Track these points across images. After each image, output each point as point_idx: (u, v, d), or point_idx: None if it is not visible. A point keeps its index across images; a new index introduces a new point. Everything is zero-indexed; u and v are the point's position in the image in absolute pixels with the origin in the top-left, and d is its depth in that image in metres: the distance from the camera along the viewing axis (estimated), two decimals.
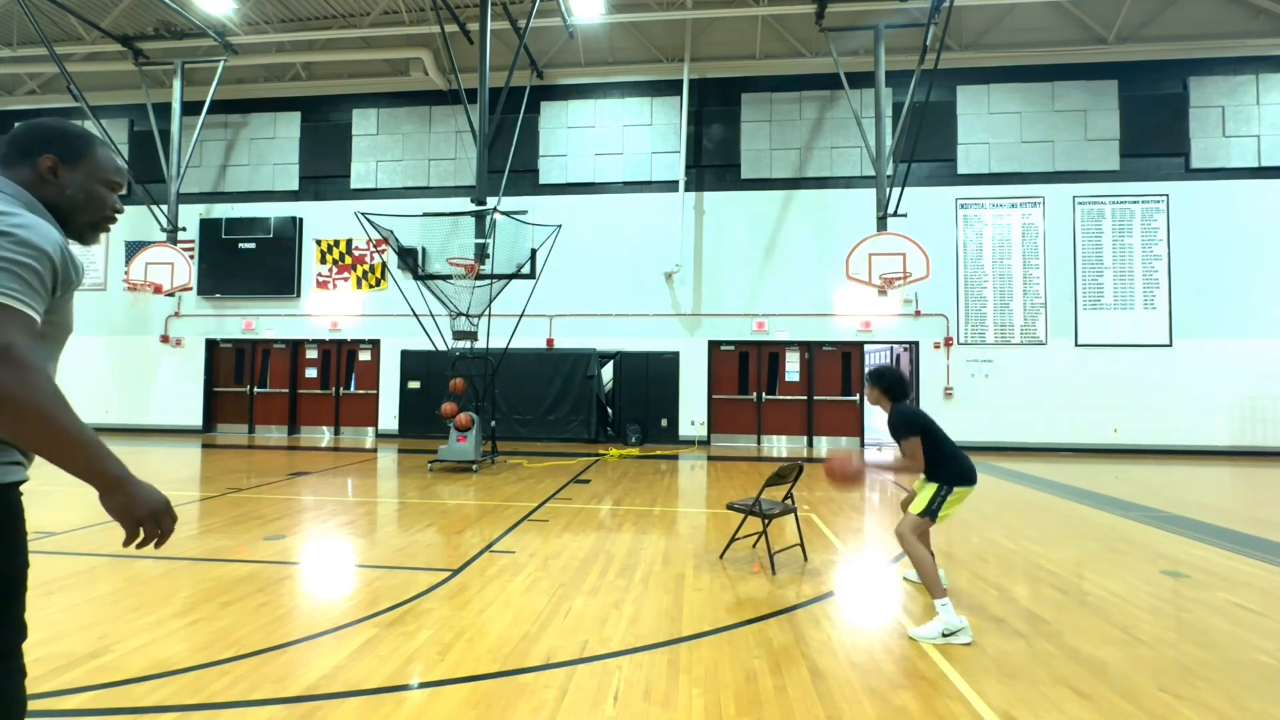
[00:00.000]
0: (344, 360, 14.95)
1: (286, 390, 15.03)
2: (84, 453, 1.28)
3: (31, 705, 2.65)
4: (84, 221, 1.54)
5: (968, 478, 3.85)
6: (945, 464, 3.88)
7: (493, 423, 11.02)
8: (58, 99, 15.71)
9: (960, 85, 13.37)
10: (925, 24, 11.17)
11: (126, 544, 1.41)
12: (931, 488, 3.86)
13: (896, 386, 4.09)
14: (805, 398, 13.71)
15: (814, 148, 13.74)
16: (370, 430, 14.65)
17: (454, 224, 11.80)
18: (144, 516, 1.37)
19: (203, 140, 14.81)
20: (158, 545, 1.42)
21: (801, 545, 5.11)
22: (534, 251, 10.76)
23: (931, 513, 3.83)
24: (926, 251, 11.27)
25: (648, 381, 13.80)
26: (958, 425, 12.89)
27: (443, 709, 2.69)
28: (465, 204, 11.21)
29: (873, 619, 3.83)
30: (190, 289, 13.83)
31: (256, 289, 14.81)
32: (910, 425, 3.88)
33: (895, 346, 14.48)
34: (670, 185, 13.87)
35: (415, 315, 10.45)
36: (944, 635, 3.43)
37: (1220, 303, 12.62)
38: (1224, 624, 3.75)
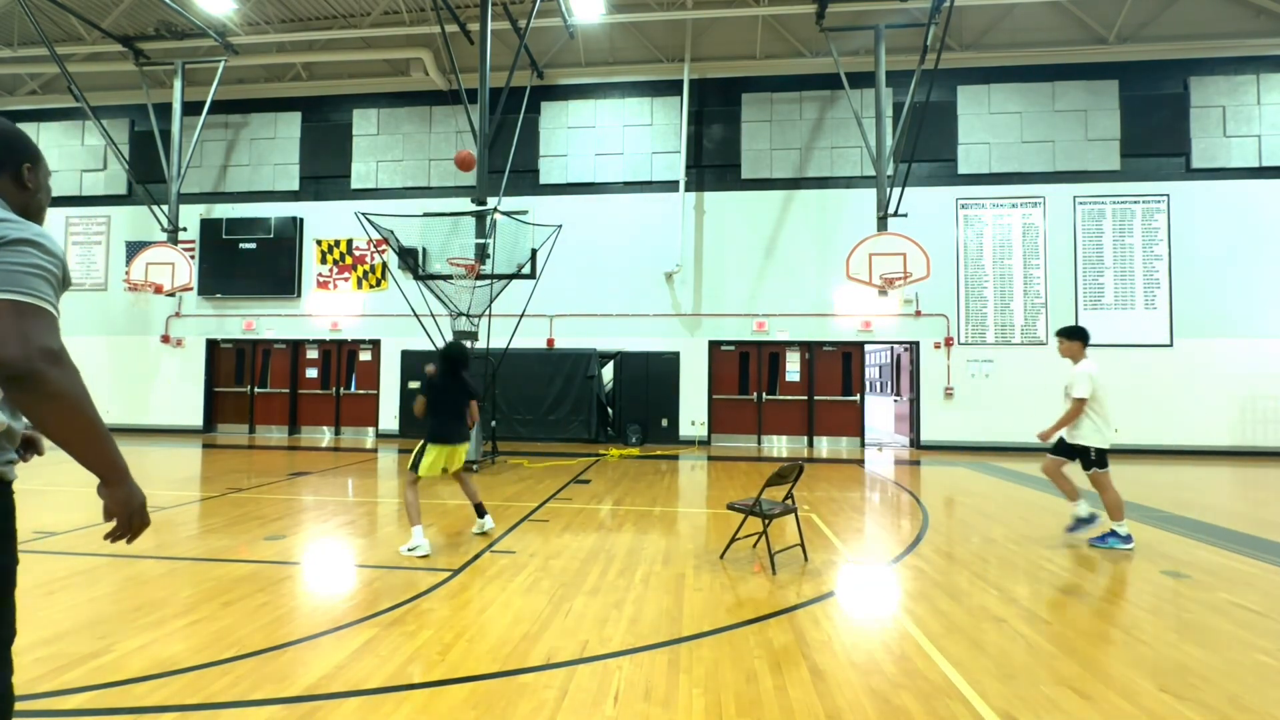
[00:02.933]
0: (344, 360, 14.95)
1: (287, 390, 15.04)
2: (106, 446, 1.40)
3: (32, 705, 2.66)
4: (40, 221, 1.56)
5: (437, 438, 5.20)
6: (432, 422, 5.23)
7: (493, 423, 11.03)
8: (58, 99, 15.72)
9: (960, 85, 13.36)
10: (925, 24, 11.17)
11: (113, 535, 1.48)
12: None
13: (447, 360, 5.39)
14: (806, 398, 13.70)
15: (814, 148, 13.73)
16: (371, 430, 14.65)
17: (454, 224, 11.78)
18: (137, 509, 1.48)
19: (203, 140, 14.82)
20: (130, 540, 1.51)
21: (802, 545, 5.11)
22: (534, 252, 10.76)
23: (415, 465, 5.19)
24: (927, 251, 11.26)
25: (648, 381, 13.80)
26: (958, 425, 12.92)
27: (443, 709, 2.69)
28: (465, 204, 11.20)
29: (873, 619, 3.83)
30: (191, 289, 13.84)
31: (257, 289, 14.82)
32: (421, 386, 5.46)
33: (895, 346, 14.48)
34: (670, 185, 13.87)
35: (415, 315, 10.45)
36: (409, 550, 4.96)
37: (1221, 303, 12.62)
38: (1224, 624, 3.74)
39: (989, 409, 12.98)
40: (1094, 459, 5.50)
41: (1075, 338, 5.82)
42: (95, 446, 1.38)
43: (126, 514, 1.46)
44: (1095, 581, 4.55)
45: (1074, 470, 5.67)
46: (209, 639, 3.35)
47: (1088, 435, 5.50)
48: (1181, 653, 3.33)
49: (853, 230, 12.82)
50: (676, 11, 13.16)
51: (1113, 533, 5.48)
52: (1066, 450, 5.66)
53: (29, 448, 1.63)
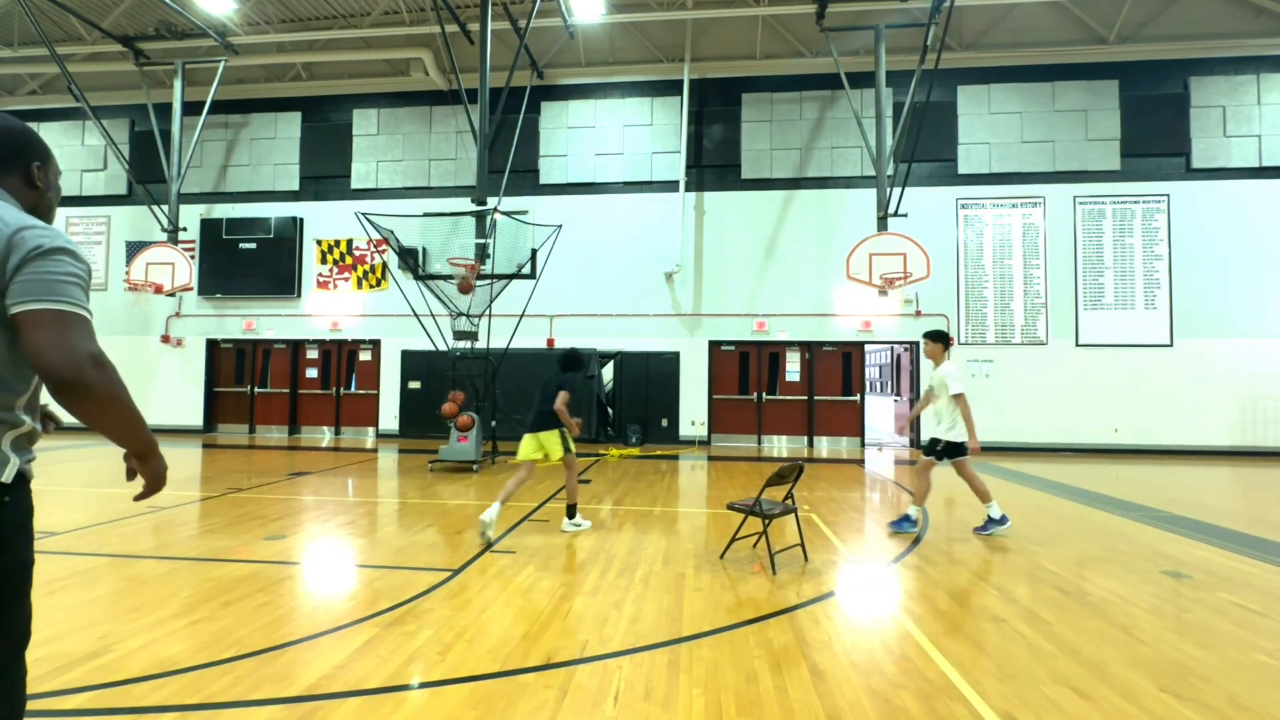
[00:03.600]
0: (344, 360, 14.95)
1: (287, 390, 15.04)
2: (144, 431, 1.53)
3: (31, 705, 2.66)
4: (50, 220, 1.57)
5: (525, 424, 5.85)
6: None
7: (493, 423, 11.02)
8: (58, 99, 15.72)
9: (961, 85, 13.36)
10: (925, 24, 11.17)
11: (144, 496, 1.66)
12: None
13: (568, 362, 5.92)
14: (806, 398, 13.70)
15: (814, 148, 13.73)
16: (371, 430, 14.65)
17: (454, 224, 11.78)
18: (163, 474, 1.63)
19: (203, 140, 14.82)
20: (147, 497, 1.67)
21: (802, 545, 5.11)
22: (534, 252, 10.77)
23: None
24: (927, 251, 11.26)
25: (648, 381, 13.80)
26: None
27: (443, 709, 2.69)
28: (465, 204, 11.21)
29: (873, 619, 3.83)
30: (191, 289, 13.84)
31: (257, 289, 14.82)
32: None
33: (895, 346, 14.48)
34: (670, 185, 13.87)
35: (415, 315, 10.45)
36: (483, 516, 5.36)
37: (1221, 303, 12.61)
38: (1225, 624, 3.74)
39: (989, 409, 12.94)
40: (939, 450, 5.85)
41: (939, 340, 6.15)
42: (135, 434, 1.50)
43: (161, 481, 1.62)
44: (1095, 581, 4.54)
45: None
46: (209, 639, 3.35)
47: (944, 430, 5.87)
48: (1181, 653, 3.33)
49: (853, 230, 12.81)
50: (676, 11, 13.16)
51: (905, 517, 6.00)
52: (947, 449, 5.88)
53: (48, 419, 1.67)
